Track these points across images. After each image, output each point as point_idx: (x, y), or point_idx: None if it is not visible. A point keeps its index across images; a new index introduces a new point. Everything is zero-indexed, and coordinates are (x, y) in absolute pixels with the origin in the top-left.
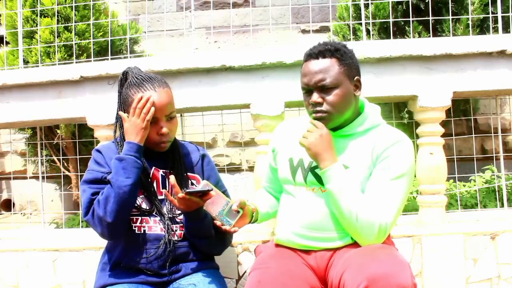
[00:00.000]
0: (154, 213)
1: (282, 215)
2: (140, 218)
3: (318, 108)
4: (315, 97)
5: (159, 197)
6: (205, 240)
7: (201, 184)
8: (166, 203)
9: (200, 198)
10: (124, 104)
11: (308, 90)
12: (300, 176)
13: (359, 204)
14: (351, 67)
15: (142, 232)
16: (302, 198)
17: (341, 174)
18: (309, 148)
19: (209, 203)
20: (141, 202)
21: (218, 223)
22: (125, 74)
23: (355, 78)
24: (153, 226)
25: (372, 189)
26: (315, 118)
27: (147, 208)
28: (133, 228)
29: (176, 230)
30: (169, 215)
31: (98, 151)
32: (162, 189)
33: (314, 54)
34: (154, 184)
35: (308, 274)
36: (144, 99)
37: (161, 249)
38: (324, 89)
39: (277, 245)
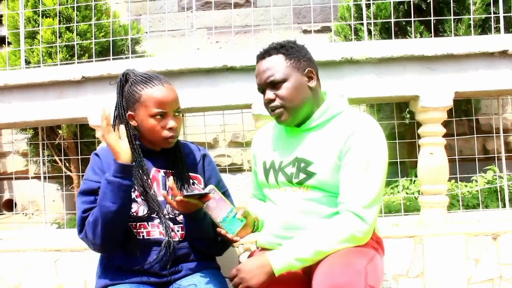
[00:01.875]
0: (153, 216)
1: (265, 219)
2: (137, 223)
3: (272, 104)
4: (268, 94)
5: (159, 199)
6: (205, 241)
7: (207, 189)
8: (167, 205)
9: (199, 200)
10: (129, 102)
11: (262, 90)
12: (272, 178)
13: (324, 241)
14: (299, 60)
15: (141, 237)
16: (276, 200)
17: (286, 257)
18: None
19: (214, 208)
20: (138, 208)
21: (222, 231)
22: (125, 75)
23: (306, 70)
24: (152, 231)
25: (344, 187)
26: (273, 115)
27: (144, 213)
28: (133, 234)
29: (178, 231)
30: (170, 216)
31: (96, 155)
32: (163, 190)
33: (261, 54)
34: (155, 185)
35: (299, 276)
36: (105, 115)
37: (162, 253)
38: (274, 85)
39: (262, 249)
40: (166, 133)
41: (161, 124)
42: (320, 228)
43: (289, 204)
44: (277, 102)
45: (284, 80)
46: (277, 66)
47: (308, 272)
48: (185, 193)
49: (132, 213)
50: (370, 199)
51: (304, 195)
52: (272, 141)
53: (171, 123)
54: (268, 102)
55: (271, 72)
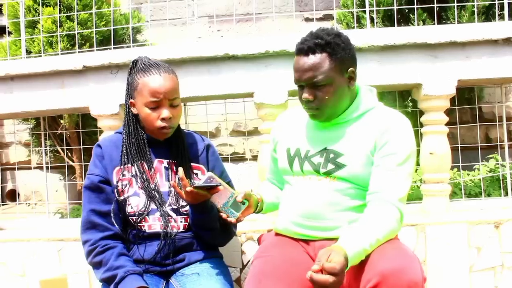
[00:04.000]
0: (154, 208)
1: (281, 204)
2: (139, 217)
3: (310, 105)
4: (306, 94)
5: (161, 190)
6: (210, 232)
7: (206, 176)
8: (170, 195)
9: (208, 191)
10: (130, 89)
11: (300, 85)
12: (297, 166)
13: (382, 235)
14: (343, 60)
15: (143, 231)
16: (299, 187)
17: (356, 251)
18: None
19: (215, 195)
20: (139, 201)
21: (223, 215)
22: (135, 62)
23: (348, 70)
24: (153, 224)
25: (379, 177)
26: (308, 112)
27: (146, 206)
28: (134, 228)
29: (181, 222)
30: (173, 207)
31: (98, 146)
32: (166, 181)
33: (304, 50)
34: (157, 176)
35: (310, 263)
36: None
37: (161, 245)
38: (315, 86)
39: (277, 234)
40: (159, 123)
41: (155, 114)
42: (371, 218)
43: (313, 192)
44: (315, 104)
45: (326, 84)
46: (322, 67)
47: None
48: (196, 184)
49: (134, 207)
50: (405, 192)
51: (330, 185)
52: (297, 128)
53: (164, 112)
54: (306, 101)
55: (314, 73)
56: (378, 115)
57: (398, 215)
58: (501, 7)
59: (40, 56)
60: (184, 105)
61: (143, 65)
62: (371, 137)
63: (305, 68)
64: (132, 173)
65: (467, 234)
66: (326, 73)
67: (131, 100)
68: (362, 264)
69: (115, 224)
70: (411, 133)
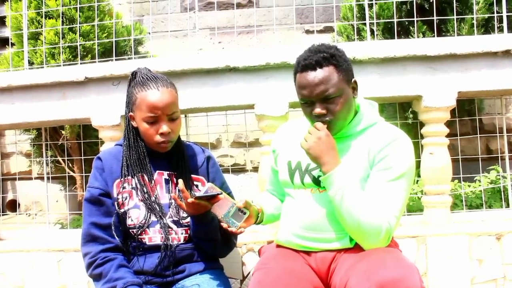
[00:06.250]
0: (154, 221)
1: (283, 216)
2: (139, 230)
3: (322, 119)
4: (319, 109)
5: (162, 202)
6: (211, 243)
7: (206, 186)
8: (170, 207)
9: (208, 202)
10: (129, 102)
11: (308, 101)
12: (298, 179)
13: (361, 209)
14: (347, 71)
15: (143, 243)
16: (300, 200)
17: (341, 180)
18: (308, 152)
19: (215, 206)
20: (140, 214)
21: (224, 225)
22: (134, 74)
23: (352, 81)
24: (153, 237)
25: (373, 191)
26: None
27: (146, 219)
28: (134, 241)
29: (182, 233)
30: (174, 219)
31: (99, 158)
32: (166, 193)
33: (311, 64)
34: (158, 188)
35: (311, 275)
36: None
37: (162, 257)
38: (326, 99)
39: (278, 246)
40: (158, 138)
41: (154, 129)
42: (364, 201)
43: (313, 205)
44: (328, 117)
45: (338, 95)
46: (331, 80)
47: (325, 283)
48: (196, 194)
49: (134, 219)
50: (400, 209)
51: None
52: (298, 141)
53: (163, 128)
54: (318, 116)
55: (325, 86)
56: (379, 131)
57: (384, 229)
58: (500, 20)
59: (42, 67)
60: (185, 116)
61: (141, 78)
62: (371, 152)
63: (316, 82)
64: (132, 185)
65: (468, 246)
66: (336, 85)
67: (131, 113)
68: (359, 270)
69: (116, 237)
70: (410, 151)
